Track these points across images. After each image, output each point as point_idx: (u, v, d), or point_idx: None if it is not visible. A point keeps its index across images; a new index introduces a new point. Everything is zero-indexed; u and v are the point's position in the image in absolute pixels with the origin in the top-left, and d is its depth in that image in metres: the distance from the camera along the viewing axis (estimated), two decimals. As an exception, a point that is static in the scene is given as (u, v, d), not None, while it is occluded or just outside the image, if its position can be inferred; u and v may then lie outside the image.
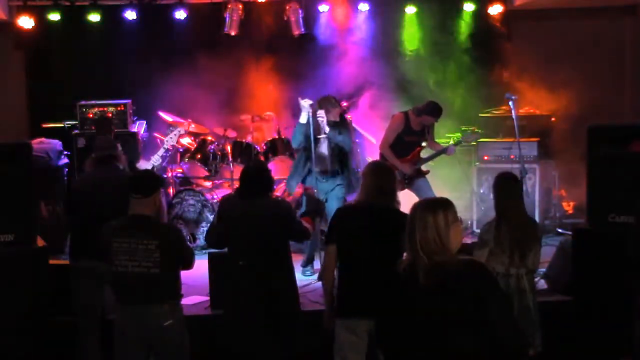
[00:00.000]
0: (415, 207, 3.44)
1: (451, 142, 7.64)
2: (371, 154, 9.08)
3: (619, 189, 5.16)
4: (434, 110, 7.38)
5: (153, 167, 7.16)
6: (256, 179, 4.88)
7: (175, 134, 7.53)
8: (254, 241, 4.74)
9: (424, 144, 7.70)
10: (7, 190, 5.03)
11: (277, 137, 8.71)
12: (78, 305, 5.34)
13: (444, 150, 7.58)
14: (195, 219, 8.15)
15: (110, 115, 8.67)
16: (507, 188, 4.79)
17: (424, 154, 7.75)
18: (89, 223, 5.21)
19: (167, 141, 7.51)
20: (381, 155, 7.61)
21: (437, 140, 7.92)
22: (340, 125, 7.09)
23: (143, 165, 7.37)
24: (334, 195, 7.01)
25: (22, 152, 5.18)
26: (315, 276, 6.96)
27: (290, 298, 4.90)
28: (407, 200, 7.43)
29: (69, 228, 5.81)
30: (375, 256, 4.35)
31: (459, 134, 9.04)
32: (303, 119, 6.80)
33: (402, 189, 7.62)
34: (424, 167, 7.68)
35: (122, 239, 4.38)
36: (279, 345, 4.79)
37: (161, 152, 7.43)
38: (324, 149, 6.97)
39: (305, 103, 6.78)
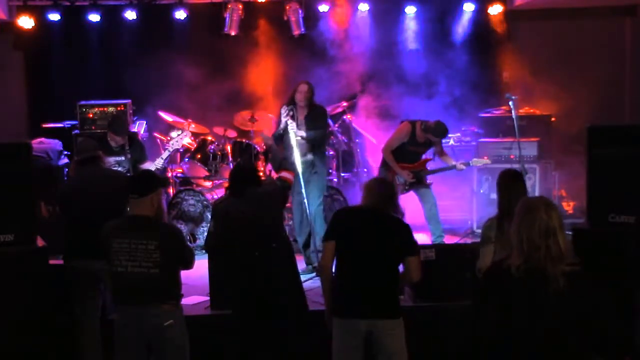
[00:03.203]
0: (536, 208, 3.40)
1: (461, 162, 7.64)
2: (371, 154, 9.08)
3: (619, 189, 5.16)
4: (440, 133, 7.48)
5: (156, 170, 7.17)
6: (245, 177, 5.02)
7: (180, 138, 7.53)
8: (259, 233, 4.84)
9: (430, 156, 7.74)
10: (7, 190, 5.03)
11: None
12: (76, 305, 5.35)
13: (452, 167, 7.61)
14: (196, 219, 8.15)
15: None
16: (512, 184, 4.80)
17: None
18: (80, 223, 5.25)
19: (171, 144, 7.51)
20: (383, 158, 7.64)
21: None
22: (311, 119, 7.24)
23: (147, 167, 7.37)
24: (313, 186, 7.16)
25: (22, 152, 5.19)
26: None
27: (297, 288, 5.09)
28: (409, 203, 7.52)
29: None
30: (373, 258, 4.36)
31: (459, 134, 9.07)
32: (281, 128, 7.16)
33: (401, 192, 7.65)
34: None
35: (122, 239, 4.38)
36: (285, 339, 4.91)
37: (165, 154, 7.44)
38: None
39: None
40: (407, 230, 4.46)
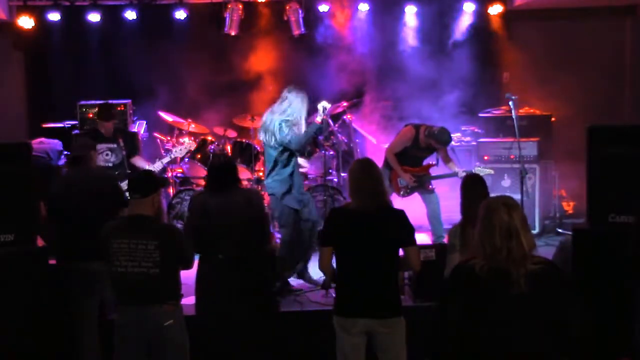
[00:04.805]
0: (493, 209, 3.39)
1: (463, 170, 7.57)
2: (371, 154, 9.07)
3: (619, 189, 5.15)
4: (443, 141, 7.42)
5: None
6: (224, 173, 5.01)
7: (185, 147, 7.51)
8: (232, 233, 4.85)
9: (434, 161, 7.71)
10: (7, 191, 5.02)
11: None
12: (74, 305, 5.35)
13: (455, 175, 7.59)
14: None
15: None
16: (473, 190, 4.81)
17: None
18: (67, 224, 5.26)
19: (175, 151, 7.50)
20: (385, 159, 7.64)
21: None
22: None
23: (142, 165, 7.36)
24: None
25: (22, 152, 5.18)
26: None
27: (269, 290, 5.04)
28: (411, 203, 7.50)
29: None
30: (371, 259, 4.35)
31: (459, 134, 9.07)
32: (319, 119, 6.60)
33: (402, 195, 7.64)
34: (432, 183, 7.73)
35: (122, 239, 4.38)
36: (259, 337, 4.97)
37: (166, 159, 7.43)
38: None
39: (321, 106, 6.61)
40: (402, 222, 4.41)
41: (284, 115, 6.53)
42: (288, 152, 6.58)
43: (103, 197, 5.32)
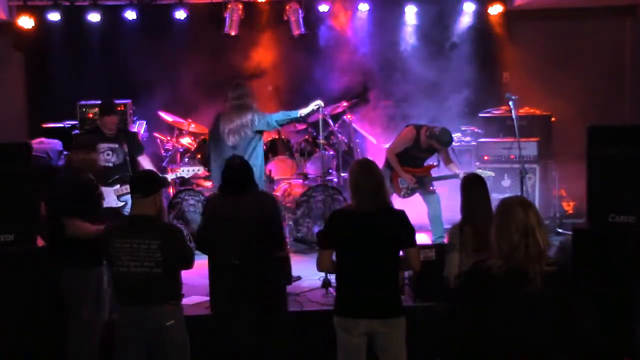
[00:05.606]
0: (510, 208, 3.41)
1: (464, 172, 7.54)
2: (371, 154, 9.08)
3: (619, 189, 5.16)
4: (443, 141, 7.39)
5: None
6: (239, 175, 4.97)
7: (193, 169, 7.48)
8: (245, 238, 4.83)
9: (435, 162, 7.70)
10: (7, 190, 5.03)
11: (277, 137, 8.71)
12: (74, 306, 5.35)
13: (455, 176, 7.57)
14: (196, 219, 8.14)
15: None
16: (472, 190, 4.81)
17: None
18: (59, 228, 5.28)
19: (182, 171, 7.46)
20: (386, 160, 7.63)
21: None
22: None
23: (147, 166, 7.32)
24: None
25: (22, 152, 5.18)
26: None
27: (280, 295, 5.00)
28: (412, 204, 7.50)
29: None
30: (372, 260, 4.35)
31: (459, 134, 9.07)
32: (304, 112, 6.84)
33: (403, 196, 7.63)
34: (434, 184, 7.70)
35: (124, 239, 4.39)
36: (269, 342, 4.95)
37: (171, 176, 7.40)
38: None
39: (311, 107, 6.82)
40: (402, 222, 4.42)
41: (254, 111, 6.69)
42: (260, 141, 6.76)
43: (60, 203, 5.30)
